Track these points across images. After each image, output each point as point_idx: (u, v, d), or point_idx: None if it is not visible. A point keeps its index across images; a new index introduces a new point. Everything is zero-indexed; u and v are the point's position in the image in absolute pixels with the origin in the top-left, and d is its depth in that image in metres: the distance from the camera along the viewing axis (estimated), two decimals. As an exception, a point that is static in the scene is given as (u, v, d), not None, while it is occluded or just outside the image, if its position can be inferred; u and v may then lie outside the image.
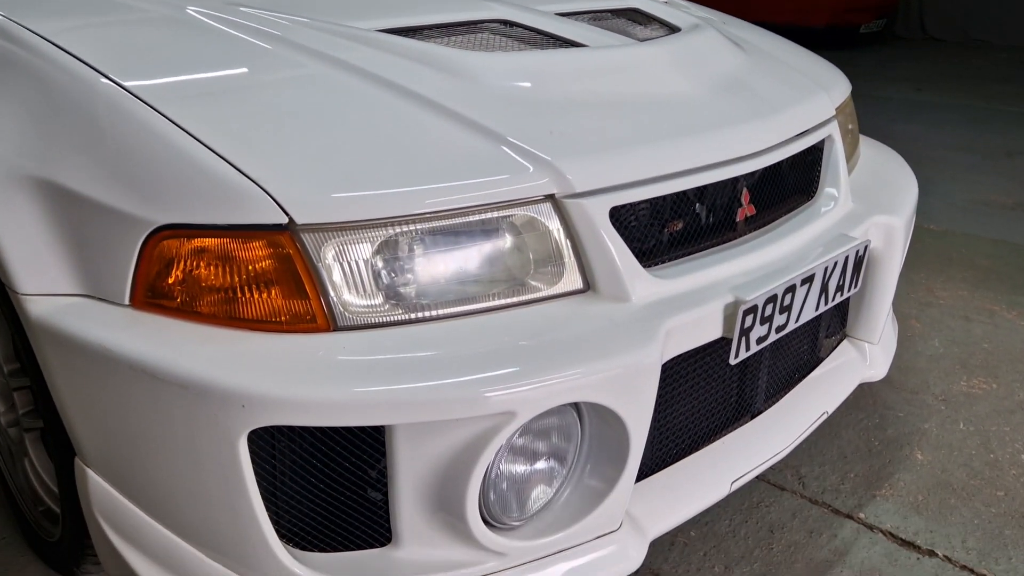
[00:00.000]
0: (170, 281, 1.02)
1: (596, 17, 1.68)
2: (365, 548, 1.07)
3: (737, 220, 1.32)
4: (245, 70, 1.21)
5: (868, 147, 1.90)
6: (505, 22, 1.51)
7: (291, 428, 0.99)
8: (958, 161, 4.25)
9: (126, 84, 1.13)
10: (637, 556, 1.18)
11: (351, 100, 1.16)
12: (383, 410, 0.95)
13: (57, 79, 1.18)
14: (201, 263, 1.01)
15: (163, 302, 1.03)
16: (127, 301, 1.04)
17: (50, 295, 1.07)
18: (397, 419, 0.96)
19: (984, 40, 8.92)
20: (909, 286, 2.67)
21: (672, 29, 1.64)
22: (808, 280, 1.28)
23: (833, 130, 1.54)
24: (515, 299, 1.09)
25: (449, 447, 0.99)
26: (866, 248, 1.43)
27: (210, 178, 1.00)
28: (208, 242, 1.00)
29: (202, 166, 1.01)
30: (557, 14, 1.59)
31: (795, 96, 1.48)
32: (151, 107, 1.09)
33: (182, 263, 1.01)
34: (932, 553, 1.54)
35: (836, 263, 1.34)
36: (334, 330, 1.00)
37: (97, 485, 1.10)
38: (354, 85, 1.20)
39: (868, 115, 5.28)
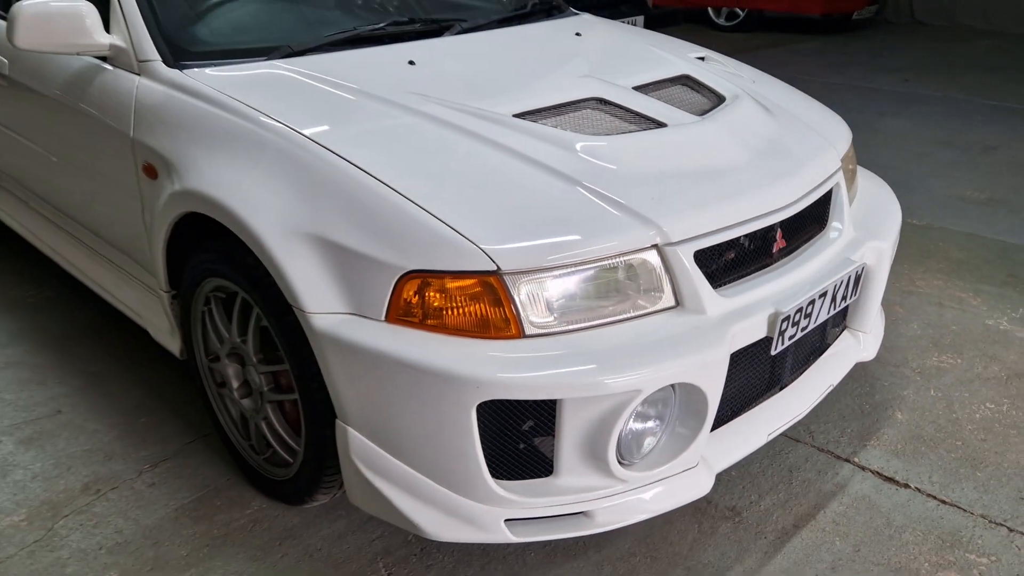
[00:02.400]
0: (414, 307, 1.57)
1: (658, 86, 2.21)
2: (535, 477, 1.64)
3: (773, 251, 1.88)
4: (440, 152, 1.75)
5: (864, 178, 2.44)
6: (599, 100, 2.04)
7: (500, 400, 1.54)
8: (940, 156, 4.80)
9: (364, 166, 1.67)
10: (708, 484, 1.75)
11: (516, 174, 1.70)
12: (559, 389, 1.51)
13: (312, 163, 1.71)
14: (437, 294, 1.56)
15: (409, 319, 1.58)
16: (383, 318, 1.59)
17: (326, 313, 1.62)
18: (567, 395, 1.52)
19: (968, 24, 9.43)
20: (894, 277, 3.23)
21: (719, 97, 2.18)
22: (823, 294, 1.85)
23: (839, 178, 2.10)
24: (632, 314, 1.64)
25: (599, 412, 1.55)
26: (863, 268, 1.99)
27: (441, 238, 1.55)
28: (442, 281, 1.55)
29: (435, 230, 1.56)
30: (633, 88, 2.13)
31: (812, 154, 2.04)
32: (389, 186, 1.63)
33: (423, 294, 1.56)
34: (907, 486, 2.12)
35: (842, 281, 1.90)
36: (523, 337, 1.56)
37: (356, 438, 1.66)
38: (512, 163, 1.74)
39: (860, 107, 5.82)
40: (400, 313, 1.59)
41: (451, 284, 1.56)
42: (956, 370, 2.63)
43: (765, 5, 8.82)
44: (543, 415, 1.58)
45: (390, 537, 1.95)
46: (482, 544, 1.92)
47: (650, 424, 1.67)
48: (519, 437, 1.60)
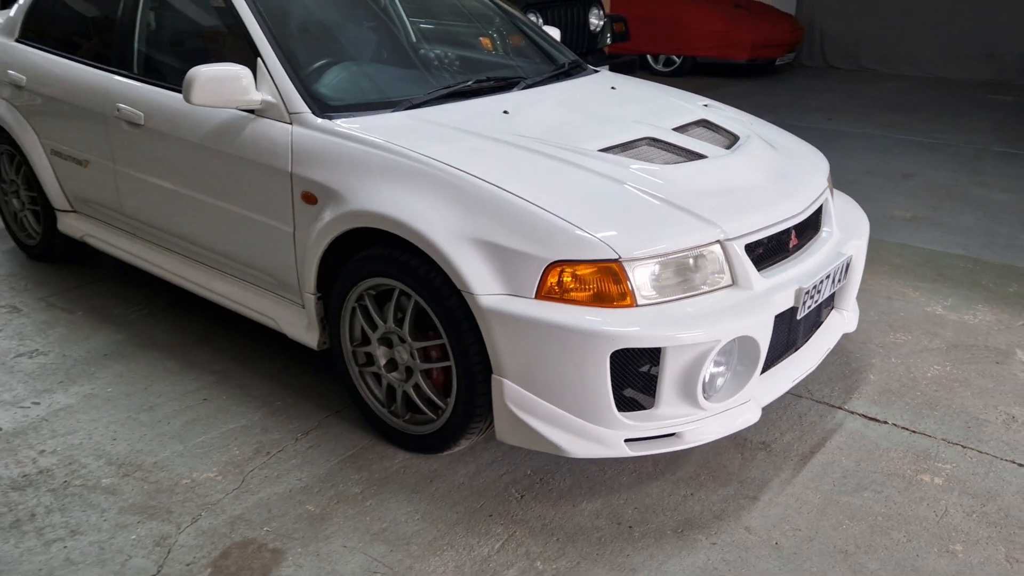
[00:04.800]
0: (555, 287, 2.20)
1: (688, 128, 2.90)
2: (641, 410, 2.27)
3: (790, 247, 2.57)
4: (556, 176, 2.39)
5: (838, 196, 3.18)
6: (651, 139, 2.72)
7: (625, 349, 2.17)
8: (868, 183, 5.67)
9: (507, 187, 2.30)
10: (757, 414, 2.40)
11: (616, 192, 2.35)
12: (668, 340, 2.15)
13: (465, 187, 2.33)
14: (574, 277, 2.19)
15: (552, 296, 2.20)
16: (533, 296, 2.21)
17: (489, 294, 2.23)
18: (669, 344, 2.16)
19: (873, 68, 10.60)
20: (850, 278, 3.99)
21: (734, 136, 2.89)
22: (828, 276, 2.55)
23: (827, 193, 2.82)
24: (705, 290, 2.30)
25: (691, 357, 2.19)
26: (850, 258, 2.71)
27: (576, 236, 2.18)
28: (578, 267, 2.18)
29: (570, 231, 2.19)
30: (672, 129, 2.82)
31: (809, 177, 2.76)
32: (530, 201, 2.26)
33: (564, 277, 2.19)
34: (886, 423, 2.83)
35: (838, 268, 2.61)
36: (637, 306, 2.20)
37: (510, 386, 2.26)
38: (611, 184, 2.39)
39: (795, 144, 6.69)
40: (546, 292, 2.21)
41: (584, 270, 2.19)
42: (908, 344, 3.38)
43: (697, 52, 9.78)
44: (652, 359, 2.21)
45: (514, 471, 2.54)
46: (590, 468, 2.53)
47: (721, 369, 2.33)
48: (633, 376, 2.24)
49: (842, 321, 2.91)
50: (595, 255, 2.19)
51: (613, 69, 6.69)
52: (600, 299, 2.20)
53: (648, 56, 10.10)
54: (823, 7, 10.90)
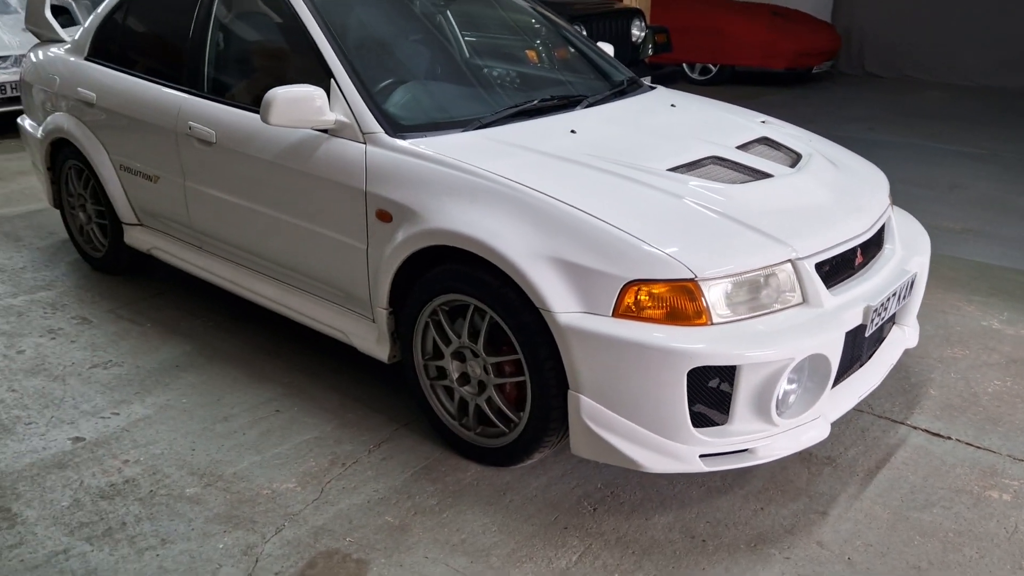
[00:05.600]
0: (632, 305, 2.25)
1: (750, 146, 2.94)
2: (713, 425, 2.31)
3: (856, 264, 2.61)
4: (628, 196, 2.44)
5: (896, 212, 3.20)
6: (717, 158, 2.77)
7: (699, 367, 2.21)
8: (914, 194, 5.66)
9: (583, 207, 2.35)
10: (826, 430, 2.44)
11: (689, 212, 2.40)
12: (743, 358, 2.19)
13: (541, 206, 2.39)
14: (650, 295, 2.24)
15: (629, 314, 2.25)
16: (610, 314, 2.26)
17: (567, 312, 2.29)
18: (744, 362, 2.20)
19: (914, 76, 10.54)
20: (903, 291, 4.00)
21: (796, 154, 2.93)
22: (895, 294, 2.58)
23: (890, 211, 2.85)
24: (777, 308, 2.34)
25: (766, 375, 2.23)
26: (914, 276, 2.73)
27: (654, 256, 2.23)
28: (654, 286, 2.23)
29: (647, 251, 2.24)
30: (736, 147, 2.86)
31: (872, 195, 2.79)
32: (606, 221, 2.31)
33: (641, 295, 2.24)
34: (950, 438, 2.85)
35: (904, 285, 2.64)
36: (712, 325, 2.24)
37: (586, 402, 2.31)
38: (684, 204, 2.43)
39: (838, 154, 6.69)
40: (622, 310, 2.26)
41: (660, 288, 2.24)
42: (967, 359, 3.39)
43: (735, 61, 9.79)
44: (727, 376, 2.26)
45: (585, 484, 2.60)
46: (659, 482, 2.58)
47: (793, 386, 2.36)
48: (707, 393, 2.28)
49: (904, 336, 2.93)
50: (671, 275, 2.24)
51: (655, 80, 6.74)
52: (675, 317, 2.25)
53: (683, 65, 10.13)
54: (861, 14, 10.87)
